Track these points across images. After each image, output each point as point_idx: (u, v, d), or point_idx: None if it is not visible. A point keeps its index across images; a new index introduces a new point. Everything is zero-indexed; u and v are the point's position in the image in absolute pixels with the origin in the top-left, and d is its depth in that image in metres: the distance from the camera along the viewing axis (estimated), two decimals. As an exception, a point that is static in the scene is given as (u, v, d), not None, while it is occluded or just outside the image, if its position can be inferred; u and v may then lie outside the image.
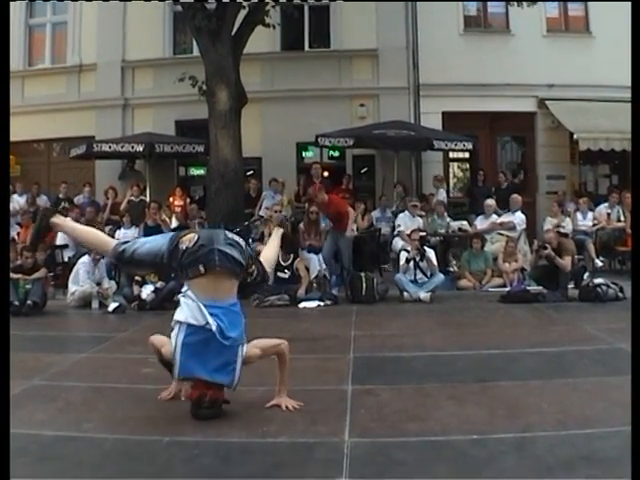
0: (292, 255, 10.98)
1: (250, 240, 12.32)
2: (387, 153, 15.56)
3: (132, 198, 14.05)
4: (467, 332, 7.81)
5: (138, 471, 3.63)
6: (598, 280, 10.14)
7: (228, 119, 12.32)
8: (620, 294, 9.75)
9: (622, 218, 13.22)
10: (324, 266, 11.02)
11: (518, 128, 16.89)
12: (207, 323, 4.28)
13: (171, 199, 14.55)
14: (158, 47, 16.67)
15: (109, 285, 10.53)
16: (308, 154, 16.79)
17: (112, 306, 10.06)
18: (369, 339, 7.43)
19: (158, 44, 16.66)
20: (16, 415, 4.17)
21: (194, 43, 14.20)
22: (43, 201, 14.97)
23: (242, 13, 12.92)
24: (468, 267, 11.78)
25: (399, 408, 4.67)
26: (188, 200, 14.81)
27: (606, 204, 13.74)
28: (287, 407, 4.57)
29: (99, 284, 10.46)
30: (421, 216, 13.06)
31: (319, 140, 14.43)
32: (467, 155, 16.64)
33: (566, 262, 10.06)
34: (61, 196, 14.89)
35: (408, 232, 11.55)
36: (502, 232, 12.60)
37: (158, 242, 4.66)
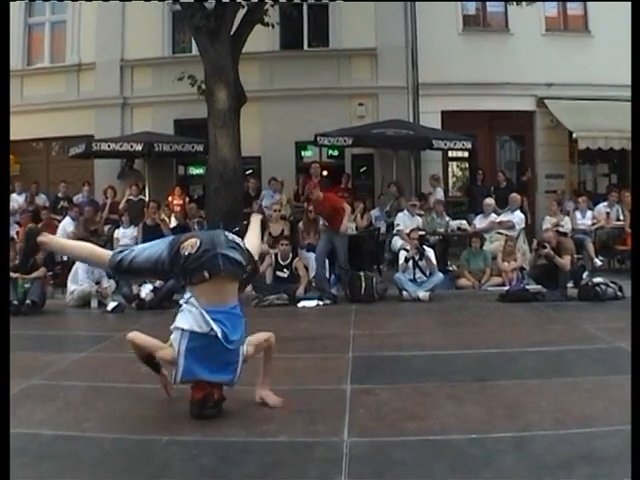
0: (291, 254, 10.99)
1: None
2: (386, 152, 15.56)
3: (131, 197, 14.05)
4: (466, 331, 7.81)
5: (137, 470, 3.64)
6: (597, 279, 10.14)
7: (227, 118, 12.31)
8: (619, 293, 9.75)
9: (621, 217, 13.23)
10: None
11: (517, 127, 16.90)
12: (211, 329, 4.28)
13: (170, 198, 14.53)
14: (157, 46, 16.67)
15: (108, 284, 10.52)
16: (307, 153, 16.79)
17: (111, 305, 10.06)
18: (368, 338, 7.43)
19: (157, 43, 16.66)
20: (15, 414, 4.16)
21: (193, 42, 14.21)
22: (42, 200, 14.99)
23: (241, 12, 12.91)
24: (467, 266, 11.78)
25: (398, 407, 4.67)
26: (187, 199, 14.81)
27: (605, 203, 13.75)
28: (271, 404, 4.60)
29: (98, 283, 10.45)
30: (420, 215, 13.06)
31: (318, 139, 14.43)
32: (466, 154, 16.65)
33: (565, 261, 10.06)
34: (60, 195, 14.90)
35: (407, 231, 11.56)
36: (501, 231, 12.61)
37: (157, 248, 4.54)
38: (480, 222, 13.01)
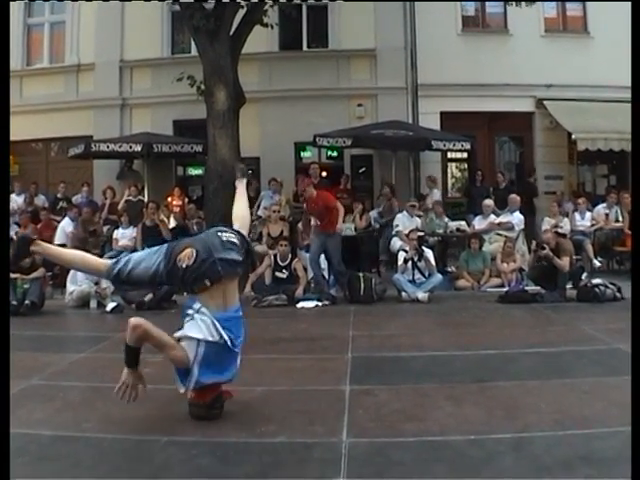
0: (290, 255, 10.99)
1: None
2: (385, 153, 15.56)
3: (130, 198, 14.04)
4: (465, 332, 7.80)
5: (136, 471, 3.64)
6: (596, 280, 10.15)
7: (226, 119, 12.29)
8: (618, 294, 9.76)
9: (620, 218, 13.21)
10: (322, 266, 10.97)
11: (516, 128, 16.91)
12: (221, 337, 4.31)
13: (169, 199, 14.52)
14: (156, 47, 16.67)
15: (107, 285, 10.50)
16: (306, 154, 16.80)
17: (110, 306, 10.07)
18: (367, 339, 7.43)
19: (156, 44, 16.66)
20: (14, 415, 4.16)
21: (192, 43, 14.18)
22: (41, 200, 15.01)
23: (240, 13, 12.90)
24: (466, 267, 11.78)
25: (397, 408, 4.68)
26: (186, 200, 14.80)
27: (604, 204, 13.74)
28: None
29: (97, 284, 10.44)
30: (419, 216, 13.06)
31: (317, 140, 14.43)
32: (465, 155, 16.63)
33: (564, 262, 10.06)
34: (59, 196, 14.92)
35: (406, 232, 11.56)
36: (500, 232, 12.61)
37: (154, 259, 4.44)
38: (479, 223, 13.01)
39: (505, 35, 16.43)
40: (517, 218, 12.86)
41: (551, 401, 4.72)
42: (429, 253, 10.88)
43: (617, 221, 13.25)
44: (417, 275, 10.66)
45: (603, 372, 5.56)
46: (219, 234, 4.57)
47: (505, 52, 15.97)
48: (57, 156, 17.26)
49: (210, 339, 4.29)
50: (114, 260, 4.64)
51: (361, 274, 10.68)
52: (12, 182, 14.31)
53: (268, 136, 15.90)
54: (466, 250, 12.17)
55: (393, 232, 12.64)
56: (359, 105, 16.22)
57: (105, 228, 13.69)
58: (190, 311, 4.39)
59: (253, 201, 13.85)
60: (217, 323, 4.31)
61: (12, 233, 12.34)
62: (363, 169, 16.85)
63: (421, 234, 11.54)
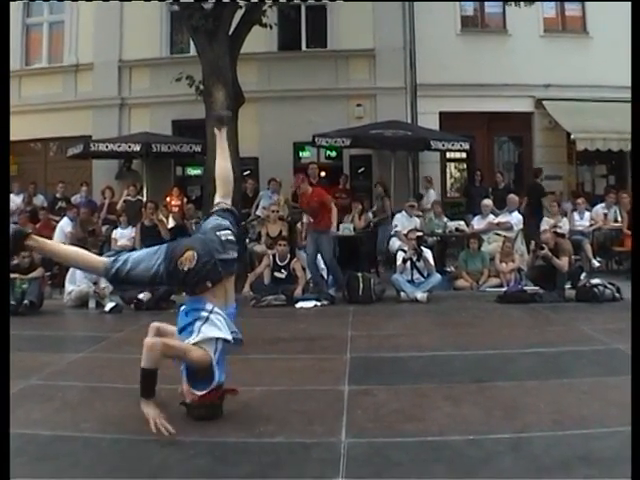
0: (289, 255, 10.99)
1: (247, 240, 12.37)
2: (384, 153, 15.55)
3: (129, 198, 14.05)
4: (464, 332, 7.80)
5: (135, 471, 3.64)
6: (595, 280, 10.14)
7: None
8: (617, 294, 9.76)
9: (619, 218, 13.20)
10: (321, 266, 10.96)
11: (515, 128, 16.92)
12: (236, 334, 4.39)
13: (168, 199, 14.52)
14: (155, 47, 16.67)
15: (106, 285, 10.49)
16: (305, 154, 16.81)
17: (109, 306, 10.06)
18: (366, 339, 7.43)
19: (155, 44, 16.66)
20: (13, 415, 4.14)
21: (191, 43, 14.18)
22: (40, 200, 15.00)
23: (239, 13, 12.90)
24: (465, 267, 11.78)
25: (396, 408, 4.68)
26: (185, 200, 14.81)
27: (603, 204, 13.74)
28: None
29: (96, 284, 10.42)
30: (418, 216, 13.06)
31: (316, 140, 14.42)
32: (464, 155, 16.63)
33: (563, 262, 10.06)
34: (58, 195, 14.91)
35: (405, 232, 11.56)
36: (499, 232, 12.61)
37: (153, 260, 4.38)
38: (478, 223, 13.02)
39: (504, 35, 16.44)
40: (516, 218, 12.86)
41: (550, 401, 4.72)
42: (428, 253, 10.88)
43: (616, 221, 13.24)
44: (416, 275, 10.65)
45: (602, 372, 5.56)
46: (217, 233, 4.54)
47: (504, 52, 15.98)
48: (56, 156, 17.28)
49: (228, 338, 4.32)
50: (112, 258, 4.56)
51: (360, 274, 10.67)
52: (11, 182, 14.29)
53: (267, 136, 15.91)
54: (465, 250, 12.18)
55: (392, 232, 12.64)
56: (358, 105, 16.23)
57: (104, 228, 13.69)
58: (204, 313, 4.33)
59: (252, 201, 13.88)
60: (229, 321, 4.38)
61: (11, 233, 12.33)
62: (362, 169, 16.86)
63: (420, 234, 11.54)
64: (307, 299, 10.35)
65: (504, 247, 11.77)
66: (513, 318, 8.92)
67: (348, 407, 4.69)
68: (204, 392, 4.34)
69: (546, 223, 12.70)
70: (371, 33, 16.28)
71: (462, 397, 4.91)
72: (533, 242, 10.89)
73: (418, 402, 4.83)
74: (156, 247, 4.54)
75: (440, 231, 13.22)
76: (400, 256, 10.90)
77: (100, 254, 10.08)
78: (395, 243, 12.23)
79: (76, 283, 10.52)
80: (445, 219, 13.48)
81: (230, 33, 12.65)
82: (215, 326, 4.31)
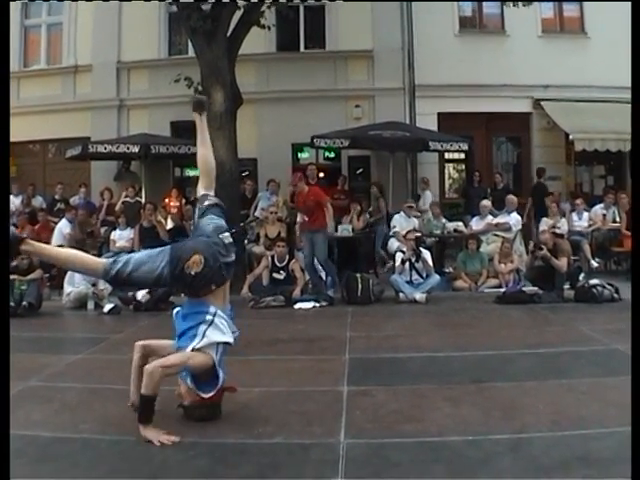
0: (288, 256, 11.00)
1: (246, 241, 12.37)
2: (382, 154, 15.53)
3: (127, 199, 14.05)
4: (463, 333, 7.81)
5: (134, 472, 3.65)
6: (594, 281, 10.14)
7: (223, 120, 12.29)
8: (615, 295, 9.76)
9: (617, 219, 13.19)
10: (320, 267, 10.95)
11: (514, 129, 16.91)
12: (235, 334, 4.43)
13: (167, 200, 14.52)
14: (153, 48, 16.67)
15: (104, 286, 10.48)
16: (303, 155, 16.81)
17: (107, 307, 10.06)
18: (365, 340, 7.43)
19: (153, 45, 16.66)
20: (13, 416, 4.14)
21: (189, 44, 14.18)
22: (39, 202, 15.01)
23: (237, 14, 12.90)
24: (464, 268, 11.78)
25: (395, 409, 4.68)
26: (184, 201, 14.79)
27: (602, 205, 13.72)
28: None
29: (94, 285, 10.43)
30: (417, 217, 13.06)
31: (314, 141, 14.41)
32: (463, 156, 16.62)
33: (562, 263, 10.07)
34: (57, 197, 14.91)
35: (404, 233, 11.56)
36: (498, 233, 12.61)
37: (157, 262, 4.33)
38: (477, 224, 13.02)
39: (502, 36, 16.43)
40: (514, 219, 12.87)
41: (549, 402, 4.72)
42: (427, 254, 10.88)
43: (614, 221, 13.23)
44: (415, 276, 10.65)
45: (601, 373, 5.57)
46: (220, 236, 4.52)
47: (502, 53, 15.98)
48: (54, 157, 17.28)
49: (230, 340, 4.37)
50: (111, 260, 4.50)
51: (358, 275, 10.67)
52: (10, 183, 14.30)
53: (265, 137, 15.91)
54: (463, 251, 12.17)
55: (390, 233, 12.65)
56: (356, 106, 16.23)
57: (102, 229, 13.69)
58: (208, 316, 4.33)
59: (250, 202, 13.88)
60: (231, 323, 4.42)
61: (10, 234, 12.33)
62: (360, 170, 16.86)
63: (419, 235, 11.55)
64: (306, 300, 10.34)
65: (503, 248, 11.77)
66: (512, 319, 8.92)
67: (347, 408, 4.69)
68: (211, 394, 4.36)
69: (545, 223, 12.71)
70: (369, 34, 16.27)
71: (461, 398, 4.91)
72: (532, 242, 10.89)
73: (417, 403, 4.84)
74: (158, 249, 4.49)
75: (439, 232, 13.23)
76: (399, 257, 10.90)
77: (99, 255, 10.13)
78: (394, 244, 12.24)
79: (75, 284, 10.52)
80: (444, 220, 13.49)
81: (228, 34, 12.65)
82: (219, 330, 4.32)
